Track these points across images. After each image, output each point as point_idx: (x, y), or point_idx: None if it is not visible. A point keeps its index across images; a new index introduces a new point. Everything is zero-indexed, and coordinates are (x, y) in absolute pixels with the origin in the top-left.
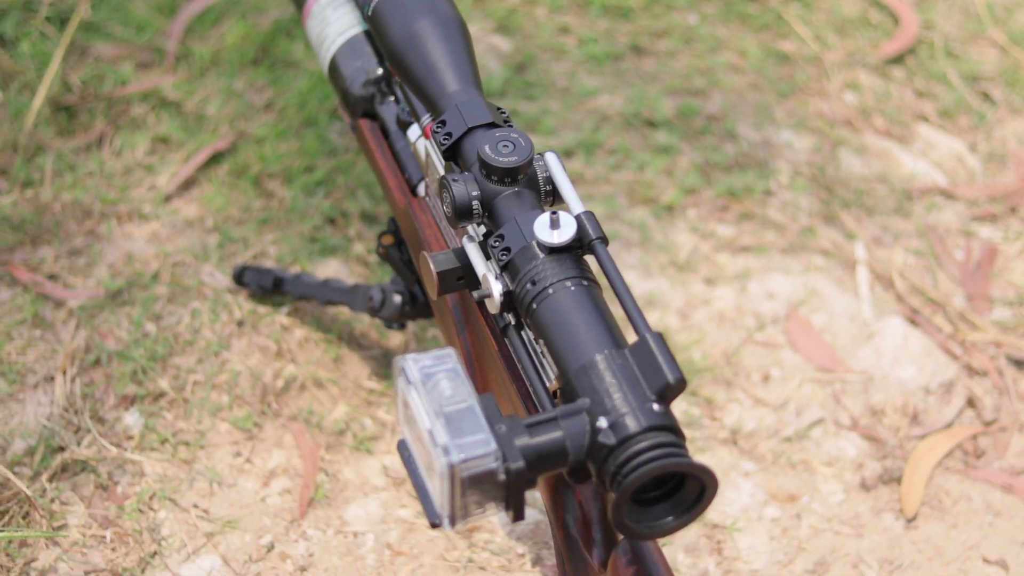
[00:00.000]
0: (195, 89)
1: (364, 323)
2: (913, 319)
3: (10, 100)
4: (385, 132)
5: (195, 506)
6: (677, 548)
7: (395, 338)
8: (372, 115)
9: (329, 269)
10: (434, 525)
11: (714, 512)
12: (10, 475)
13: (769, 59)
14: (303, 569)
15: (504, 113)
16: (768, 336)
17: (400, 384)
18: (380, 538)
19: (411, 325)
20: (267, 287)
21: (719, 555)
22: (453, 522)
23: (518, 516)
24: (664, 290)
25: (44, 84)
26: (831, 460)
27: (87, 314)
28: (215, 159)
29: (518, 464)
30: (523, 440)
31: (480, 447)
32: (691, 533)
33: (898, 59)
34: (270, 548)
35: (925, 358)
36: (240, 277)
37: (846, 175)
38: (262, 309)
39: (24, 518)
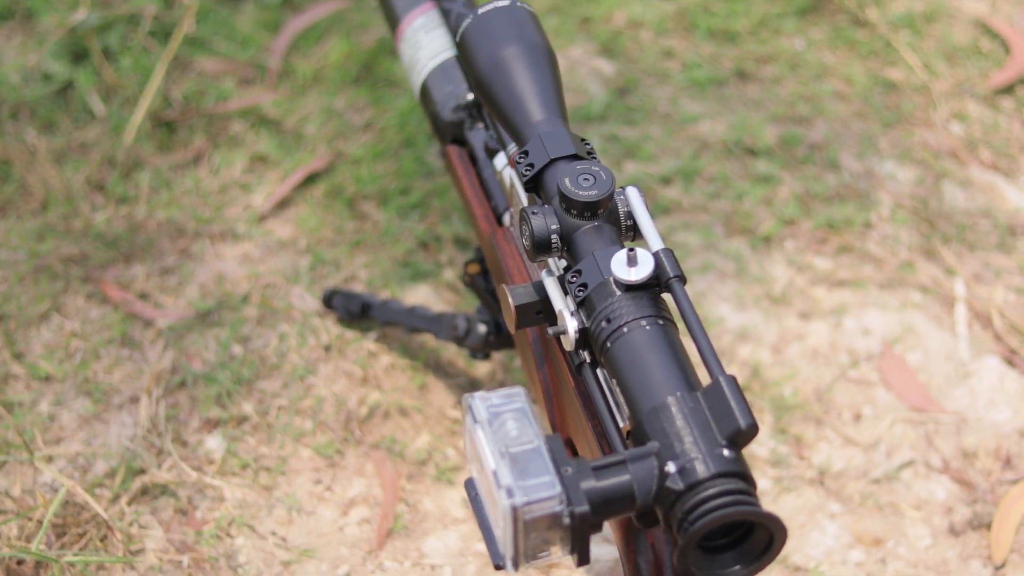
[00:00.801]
0: (295, 107)
1: (451, 351)
2: (1011, 359)
3: (112, 114)
4: (473, 159)
5: (273, 533)
6: None
7: (482, 367)
8: (461, 141)
9: (419, 294)
10: (497, 567)
11: (798, 555)
12: (89, 498)
13: (875, 87)
14: None
15: (588, 145)
16: (861, 374)
17: (467, 422)
18: (458, 571)
19: (498, 354)
20: (355, 312)
21: None
22: (516, 564)
23: (583, 560)
24: (758, 323)
25: (145, 98)
26: (920, 503)
27: (175, 335)
28: (311, 179)
29: (583, 508)
30: (589, 483)
31: (545, 490)
32: (771, 575)
33: (1008, 89)
34: None
35: (1021, 400)
36: (329, 301)
37: (949, 209)
38: (349, 334)
39: (102, 541)
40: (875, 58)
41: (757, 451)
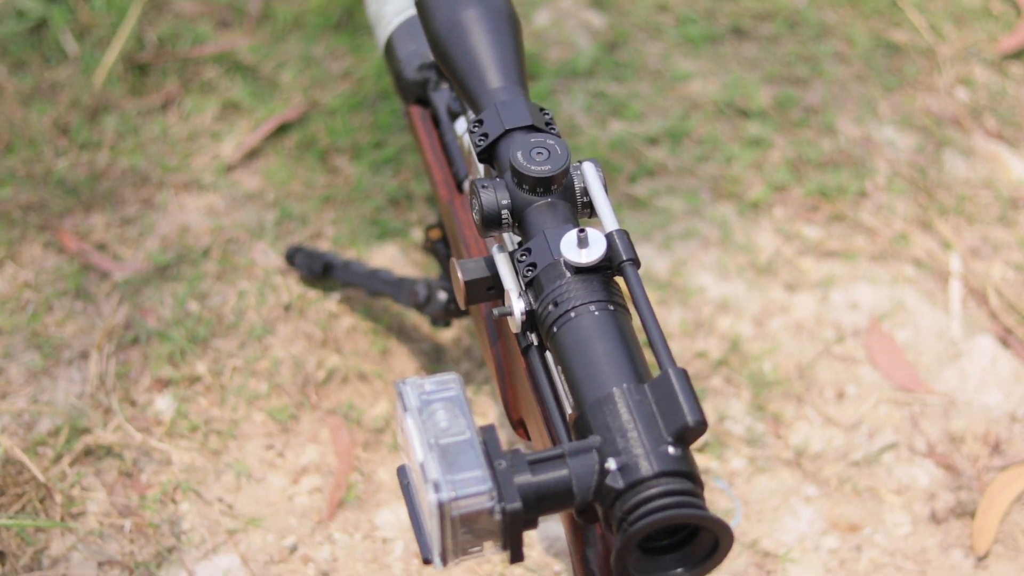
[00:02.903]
0: (272, 53)
1: (415, 316)
2: (1005, 339)
3: (84, 55)
4: (436, 121)
5: (220, 500)
6: (721, 574)
7: (447, 334)
8: (425, 101)
9: (387, 254)
10: (426, 561)
11: (768, 540)
12: (26, 459)
13: (878, 49)
14: (325, 574)
15: (547, 115)
16: (847, 350)
17: (398, 409)
18: (409, 546)
19: (462, 321)
20: (317, 271)
21: None
22: (445, 560)
23: (516, 558)
24: (740, 294)
25: (119, 39)
26: (901, 488)
27: (131, 288)
28: (283, 129)
29: (514, 505)
30: (524, 478)
31: (475, 484)
32: (740, 562)
33: (1018, 55)
34: (293, 550)
35: (1013, 383)
36: (292, 258)
37: (949, 178)
38: (311, 294)
39: (41, 502)
40: (879, 18)
41: (732, 428)
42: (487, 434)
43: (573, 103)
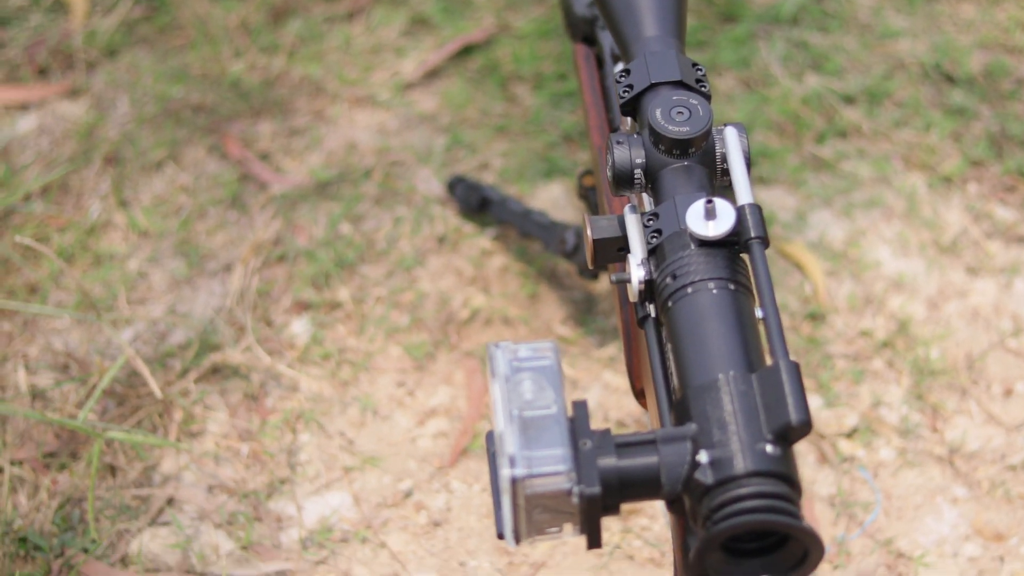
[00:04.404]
0: None
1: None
2: None
3: None
4: (600, 62)
5: (341, 434)
6: (849, 574)
7: (600, 284)
8: (592, 40)
9: (551, 194)
10: (500, 536)
11: (904, 540)
12: (146, 374)
13: None
14: (436, 524)
15: (700, 71)
16: (1023, 345)
17: (489, 373)
18: None
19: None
20: (473, 205)
21: None
22: (518, 539)
23: (593, 543)
24: (917, 273)
25: None
26: None
27: (287, 203)
28: (467, 51)
29: (593, 489)
30: (608, 461)
31: (552, 463)
32: (870, 559)
33: None
34: (408, 494)
35: None
36: (453, 188)
37: None
38: (467, 228)
39: (160, 416)
40: None
41: (886, 416)
42: (578, 410)
43: (771, 51)
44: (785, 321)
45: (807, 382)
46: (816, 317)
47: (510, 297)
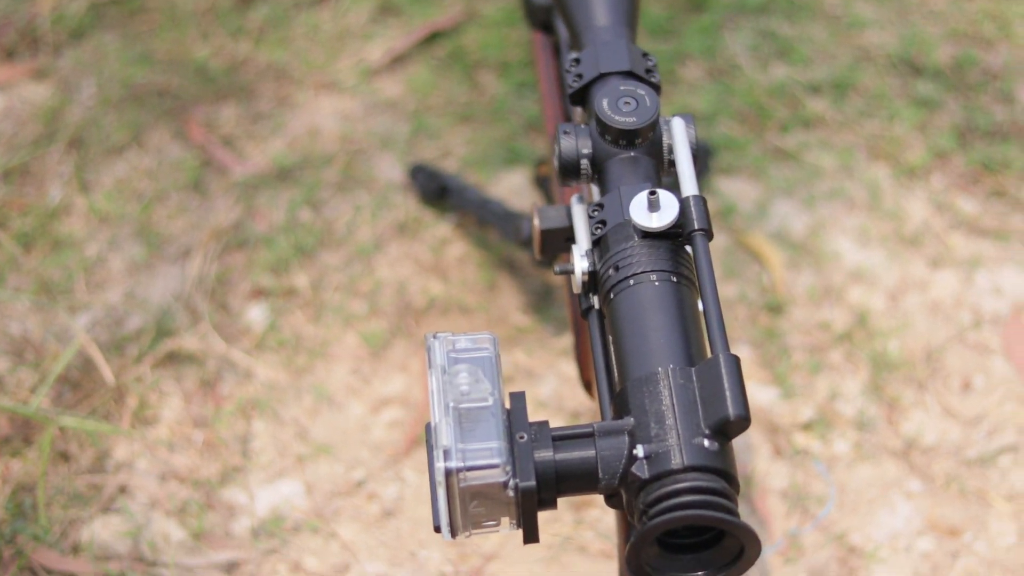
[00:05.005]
0: None
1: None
2: None
3: None
4: (558, 51)
5: (295, 422)
6: (800, 569)
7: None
8: (550, 29)
9: (512, 183)
10: (436, 529)
11: (858, 534)
12: (100, 360)
13: None
14: (388, 514)
15: (651, 62)
16: (982, 338)
17: (427, 364)
18: None
19: None
20: (433, 192)
21: None
22: (454, 532)
23: (530, 538)
24: (878, 264)
25: None
26: (1013, 495)
27: (248, 189)
28: (435, 37)
29: (528, 483)
30: (544, 455)
31: (487, 456)
32: (821, 555)
33: None
34: (360, 484)
35: None
36: (414, 175)
37: None
38: (427, 216)
39: (116, 403)
40: None
41: (842, 409)
42: (515, 403)
43: (737, 41)
44: (743, 312)
45: (764, 373)
46: (774, 308)
47: (468, 285)
